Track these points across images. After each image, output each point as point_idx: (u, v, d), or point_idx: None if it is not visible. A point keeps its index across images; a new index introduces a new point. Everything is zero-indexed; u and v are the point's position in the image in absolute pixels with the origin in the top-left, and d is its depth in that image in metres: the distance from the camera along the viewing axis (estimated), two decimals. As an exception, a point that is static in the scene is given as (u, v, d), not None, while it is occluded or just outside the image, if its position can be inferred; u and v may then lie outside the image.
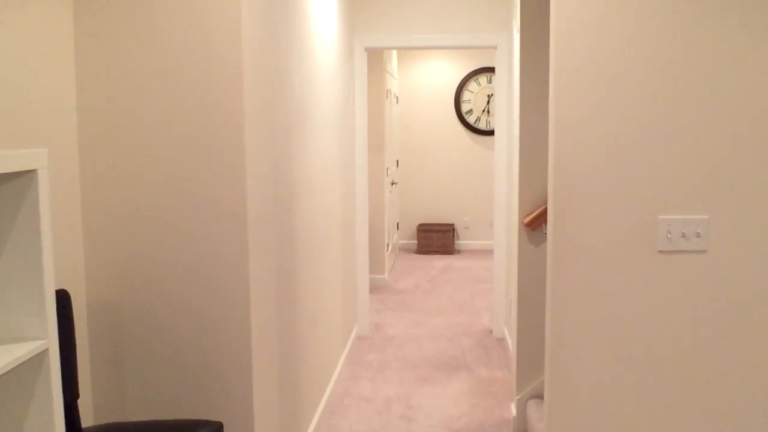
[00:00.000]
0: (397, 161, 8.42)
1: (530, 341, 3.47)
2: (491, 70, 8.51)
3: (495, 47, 4.92)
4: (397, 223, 8.48)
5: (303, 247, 3.15)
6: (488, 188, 8.68)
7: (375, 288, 6.61)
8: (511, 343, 4.43)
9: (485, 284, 6.79)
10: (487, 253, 8.40)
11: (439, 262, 7.98)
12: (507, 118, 4.92)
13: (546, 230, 3.40)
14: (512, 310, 4.28)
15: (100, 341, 2.29)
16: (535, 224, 3.30)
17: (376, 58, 6.57)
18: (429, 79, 8.63)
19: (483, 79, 8.55)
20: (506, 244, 5.02)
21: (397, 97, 8.34)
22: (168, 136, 2.20)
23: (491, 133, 8.59)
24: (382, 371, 4.42)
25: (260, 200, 2.38)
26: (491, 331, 5.23)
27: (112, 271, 2.26)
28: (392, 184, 7.54)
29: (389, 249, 7.31)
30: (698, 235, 2.07)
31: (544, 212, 3.23)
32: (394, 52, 7.99)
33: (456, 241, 8.73)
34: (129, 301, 2.27)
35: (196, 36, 2.17)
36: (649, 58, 2.05)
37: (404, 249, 8.74)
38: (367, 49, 5.00)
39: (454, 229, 8.50)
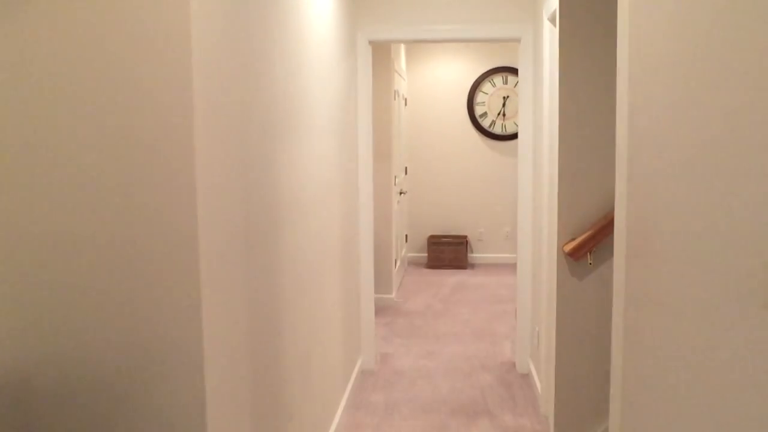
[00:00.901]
0: (406, 168, 7.79)
1: (571, 388, 2.84)
2: (507, 69, 7.87)
3: (518, 40, 4.28)
4: (406, 235, 7.85)
5: (291, 277, 2.52)
6: (504, 197, 8.03)
7: (381, 309, 5.97)
8: (540, 382, 3.79)
9: (504, 305, 6.14)
10: (503, 267, 7.74)
11: (451, 278, 7.34)
12: (533, 122, 4.28)
13: (591, 260, 2.77)
14: (541, 344, 3.64)
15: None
16: (578, 254, 2.66)
17: (382, 54, 5.95)
18: (440, 80, 8.00)
19: (498, 79, 7.91)
20: (531, 262, 4.37)
21: (406, 99, 7.72)
22: (84, 144, 1.57)
23: (507, 137, 7.95)
24: (389, 417, 3.78)
25: (222, 225, 1.75)
26: (514, 365, 4.58)
27: (12, 333, 1.63)
28: (400, 193, 6.91)
29: (397, 265, 6.67)
30: None
31: (591, 239, 2.60)
32: (402, 50, 7.36)
33: (469, 255, 8.08)
34: (38, 378, 1.64)
35: (123, 17, 1.54)
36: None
37: (413, 263, 8.10)
38: (371, 42, 4.37)
39: (467, 242, 7.85)
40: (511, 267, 7.78)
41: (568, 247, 2.67)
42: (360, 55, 4.34)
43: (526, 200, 4.36)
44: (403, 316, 5.85)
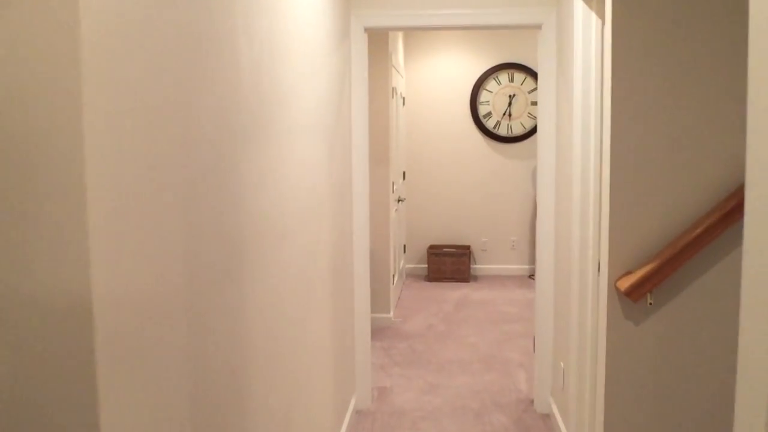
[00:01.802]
0: (404, 173, 7.19)
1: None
2: (514, 66, 7.27)
3: (539, 26, 3.67)
4: (404, 246, 7.24)
5: (262, 326, 1.91)
6: (510, 204, 7.42)
7: (378, 331, 5.36)
8: (567, 428, 3.19)
9: (513, 325, 5.53)
10: (509, 279, 7.13)
11: (453, 292, 6.73)
12: (555, 121, 3.68)
13: (652, 300, 2.16)
14: (568, 383, 3.03)
15: None
16: (638, 293, 2.06)
17: (379, 47, 5.34)
18: (440, 77, 7.39)
19: (504, 76, 7.31)
20: (553, 281, 3.77)
21: (404, 98, 7.11)
22: None
23: (513, 139, 7.35)
24: (388, 473, 3.17)
25: (143, 280, 1.14)
26: (532, 403, 3.97)
27: None
28: (398, 201, 6.30)
29: (395, 280, 6.06)
30: None
31: (655, 274, 2.00)
32: (400, 44, 6.75)
33: (472, 266, 7.48)
34: None
35: None
36: None
37: (412, 275, 7.49)
38: (367, 30, 3.77)
39: (470, 252, 7.24)
40: (518, 279, 7.17)
41: (625, 285, 2.07)
42: (354, 44, 3.73)
43: (547, 208, 3.75)
44: (403, 338, 5.24)
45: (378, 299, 5.51)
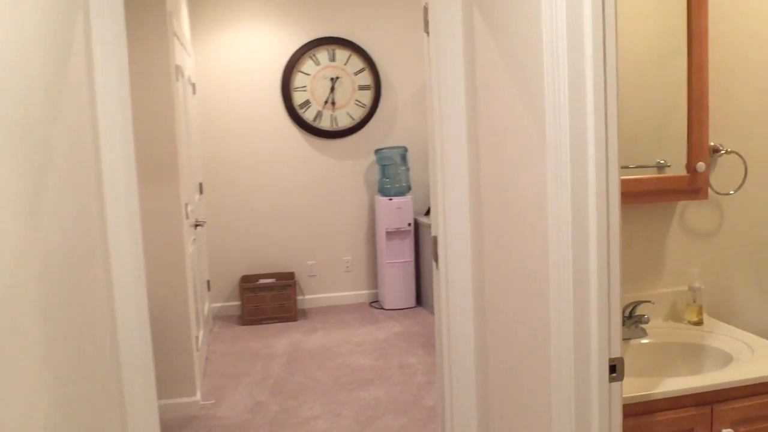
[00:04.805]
0: (201, 185, 5.38)
1: None
2: (335, 41, 5.73)
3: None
4: (208, 282, 5.44)
5: None
6: (340, 215, 5.89)
7: (178, 428, 3.58)
8: None
9: (372, 388, 4.00)
10: (347, 311, 5.59)
11: (279, 338, 5.07)
12: (463, 97, 2.18)
13: None
14: None
15: None
16: None
17: (148, 4, 3.52)
18: (241, 57, 5.65)
19: (322, 54, 5.74)
20: (473, 352, 2.27)
21: (194, 85, 5.29)
22: None
23: (340, 134, 5.82)
24: None
25: None
26: None
27: None
28: (196, 226, 4.51)
29: (199, 341, 4.27)
30: None
31: None
32: (185, 12, 4.91)
33: (299, 298, 5.86)
34: None
35: None
36: None
37: (222, 317, 5.70)
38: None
39: (295, 281, 5.60)
40: (358, 310, 5.66)
41: None
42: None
43: (459, 213, 2.24)
44: (219, 438, 3.51)
45: (176, 378, 3.73)
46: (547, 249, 1.59)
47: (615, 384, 1.52)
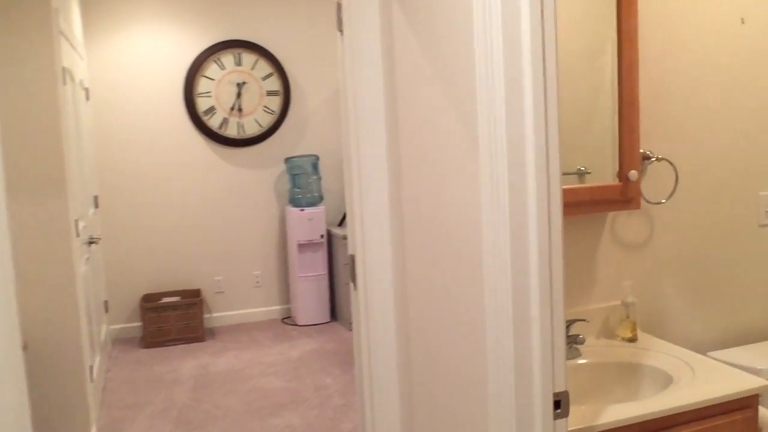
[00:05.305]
0: (96, 199, 4.98)
1: None
2: (240, 44, 5.45)
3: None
4: (106, 302, 5.03)
5: None
6: (249, 228, 5.60)
7: (71, 471, 3.22)
8: None
9: (285, 413, 3.75)
10: (258, 328, 5.29)
11: (185, 361, 4.73)
12: (382, 98, 1.99)
13: None
14: None
15: None
16: None
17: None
18: (138, 61, 5.28)
19: (228, 58, 5.45)
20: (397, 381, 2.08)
21: (87, 90, 4.89)
22: None
23: (247, 142, 5.53)
24: None
25: None
26: None
27: None
28: (90, 243, 4.13)
29: (95, 368, 3.90)
30: None
31: None
32: (77, 13, 4.51)
33: (206, 316, 5.52)
34: None
35: None
36: None
37: (122, 341, 5.29)
38: None
39: (201, 299, 5.27)
40: (270, 327, 5.38)
41: None
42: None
43: (379, 229, 2.04)
44: (116, 478, 3.17)
45: (66, 413, 3.36)
46: (482, 272, 1.42)
47: (560, 421, 1.36)
